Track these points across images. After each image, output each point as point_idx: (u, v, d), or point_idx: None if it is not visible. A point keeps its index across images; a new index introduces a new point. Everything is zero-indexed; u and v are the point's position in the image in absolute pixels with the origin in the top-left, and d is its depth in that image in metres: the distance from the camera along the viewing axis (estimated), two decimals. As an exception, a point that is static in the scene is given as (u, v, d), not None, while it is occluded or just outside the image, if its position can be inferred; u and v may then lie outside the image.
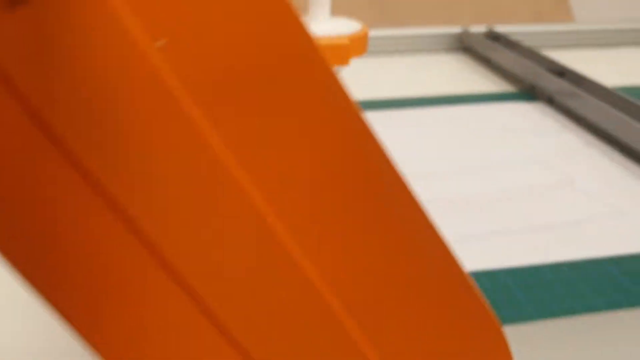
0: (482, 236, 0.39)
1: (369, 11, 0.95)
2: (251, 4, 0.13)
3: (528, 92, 0.64)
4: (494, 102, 0.61)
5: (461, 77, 0.70)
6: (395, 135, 0.53)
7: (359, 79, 0.73)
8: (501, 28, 0.77)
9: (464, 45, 0.77)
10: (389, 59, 0.76)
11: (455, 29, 0.78)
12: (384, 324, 0.17)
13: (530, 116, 0.58)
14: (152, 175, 0.13)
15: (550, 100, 0.60)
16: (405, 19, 0.95)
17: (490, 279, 0.35)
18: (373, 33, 0.77)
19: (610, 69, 0.71)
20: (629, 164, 0.49)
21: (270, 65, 0.14)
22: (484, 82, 0.68)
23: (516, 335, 0.26)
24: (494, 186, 0.45)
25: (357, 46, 0.45)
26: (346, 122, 0.15)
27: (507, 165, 0.48)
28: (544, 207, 0.43)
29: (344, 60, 0.43)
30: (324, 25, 0.46)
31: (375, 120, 0.59)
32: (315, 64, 0.14)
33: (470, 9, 0.93)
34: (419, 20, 0.97)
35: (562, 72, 0.61)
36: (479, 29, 0.78)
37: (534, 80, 0.62)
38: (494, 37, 0.74)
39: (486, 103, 0.61)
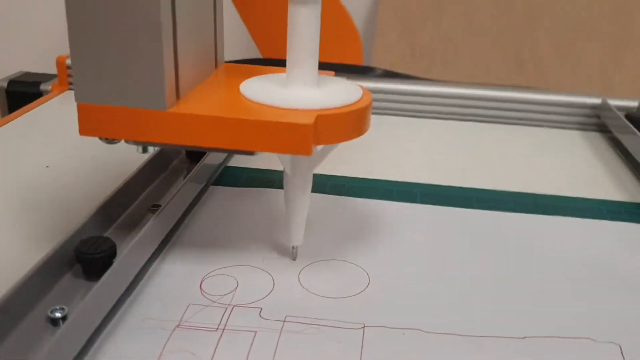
0: None
1: (504, 66, 0.77)
2: None
3: (667, 209, 0.44)
4: (619, 220, 0.42)
5: (585, 168, 0.51)
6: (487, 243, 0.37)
7: (460, 155, 0.54)
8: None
9: (602, 122, 0.58)
10: (509, 129, 0.59)
11: (594, 100, 0.59)
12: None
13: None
14: None
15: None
16: (550, 80, 0.76)
17: None
18: (496, 94, 0.60)
19: None
20: None
21: None
22: (613, 181, 0.48)
23: None
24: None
25: (333, 127, 0.30)
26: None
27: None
28: None
29: (303, 147, 0.28)
30: (301, 90, 0.32)
31: (468, 219, 0.43)
32: None
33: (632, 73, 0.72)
34: (570, 85, 0.77)
35: None
36: (631, 102, 0.58)
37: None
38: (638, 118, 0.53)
39: (604, 220, 0.42)
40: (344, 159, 0.48)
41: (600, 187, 0.47)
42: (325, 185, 0.44)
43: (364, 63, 0.70)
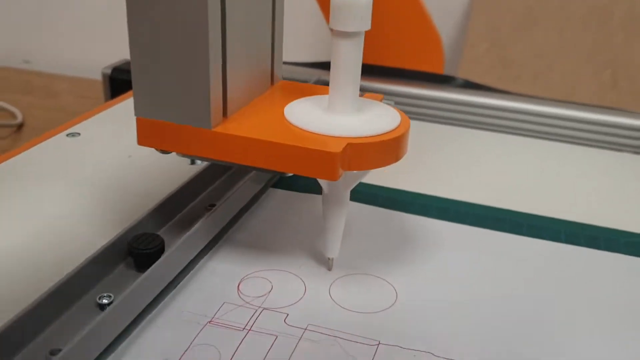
0: None
1: (596, 83, 0.74)
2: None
3: None
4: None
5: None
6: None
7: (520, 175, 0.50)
8: None
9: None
10: (588, 152, 0.58)
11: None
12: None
13: None
14: None
15: None
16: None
17: None
18: (579, 114, 0.59)
19: None
20: None
21: None
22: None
23: None
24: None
25: (364, 155, 0.32)
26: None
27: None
28: None
29: (329, 173, 0.30)
30: (338, 117, 0.33)
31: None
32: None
33: None
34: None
35: None
36: None
37: None
38: None
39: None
40: (405, 169, 0.48)
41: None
42: (377, 196, 0.46)
43: (450, 72, 0.70)
